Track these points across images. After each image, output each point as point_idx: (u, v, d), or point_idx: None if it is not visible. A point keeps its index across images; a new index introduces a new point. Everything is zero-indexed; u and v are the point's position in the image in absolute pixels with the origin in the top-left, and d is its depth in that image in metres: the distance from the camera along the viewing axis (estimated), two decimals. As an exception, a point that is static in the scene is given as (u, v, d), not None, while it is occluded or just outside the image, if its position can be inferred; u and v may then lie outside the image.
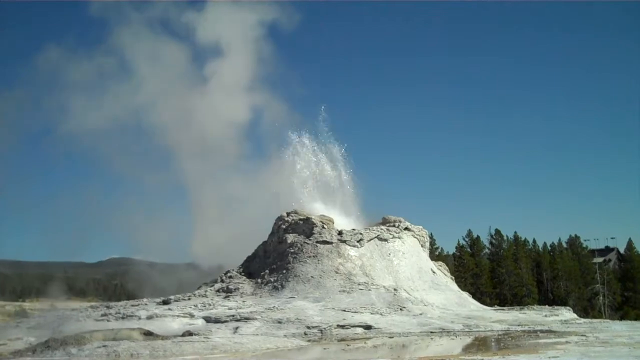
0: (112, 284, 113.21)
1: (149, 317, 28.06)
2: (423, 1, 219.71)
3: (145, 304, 32.07)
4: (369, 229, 37.87)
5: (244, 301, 31.57)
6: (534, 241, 68.62)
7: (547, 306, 38.27)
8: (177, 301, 32.26)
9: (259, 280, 34.93)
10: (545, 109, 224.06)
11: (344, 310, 28.61)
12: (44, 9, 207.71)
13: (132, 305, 31.79)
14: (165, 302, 32.11)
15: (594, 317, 48.12)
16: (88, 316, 29.73)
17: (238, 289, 34.13)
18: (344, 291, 31.78)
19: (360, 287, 32.21)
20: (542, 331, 24.70)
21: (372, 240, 36.81)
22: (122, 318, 28.28)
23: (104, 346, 19.73)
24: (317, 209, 40.36)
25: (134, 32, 76.13)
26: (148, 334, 22.84)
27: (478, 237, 64.02)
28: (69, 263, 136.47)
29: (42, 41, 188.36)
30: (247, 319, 27.04)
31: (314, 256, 34.66)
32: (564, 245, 68.62)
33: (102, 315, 29.35)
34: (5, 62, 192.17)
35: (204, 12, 74.74)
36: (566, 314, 33.70)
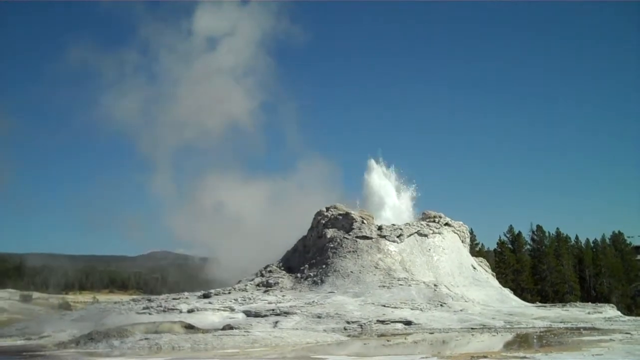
0: (153, 277, 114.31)
1: (190, 311, 28.33)
2: (423, 1, 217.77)
3: (187, 298, 32.42)
4: (409, 225, 37.73)
5: (283, 295, 31.71)
6: (577, 237, 67.58)
7: (590, 303, 37.59)
8: (217, 295, 32.55)
9: (299, 275, 35.04)
10: (590, 105, 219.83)
11: (384, 306, 28.54)
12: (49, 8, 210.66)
13: (174, 299, 32.18)
14: (205, 296, 32.41)
15: (639, 314, 47.18)
16: (130, 309, 30.17)
17: (278, 283, 34.29)
18: (383, 286, 31.69)
19: (400, 282, 32.08)
20: (585, 328, 24.31)
21: (412, 236, 36.67)
22: (164, 311, 28.59)
23: (146, 339, 20.05)
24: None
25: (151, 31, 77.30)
26: (189, 327, 23.07)
27: (520, 233, 63.27)
28: (111, 257, 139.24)
29: (44, 41, 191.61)
30: (286, 313, 27.13)
31: (353, 251, 34.64)
32: (607, 241, 67.38)
33: (144, 308, 29.74)
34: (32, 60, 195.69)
35: (204, 12, 75.34)
36: (610, 311, 33.05)
